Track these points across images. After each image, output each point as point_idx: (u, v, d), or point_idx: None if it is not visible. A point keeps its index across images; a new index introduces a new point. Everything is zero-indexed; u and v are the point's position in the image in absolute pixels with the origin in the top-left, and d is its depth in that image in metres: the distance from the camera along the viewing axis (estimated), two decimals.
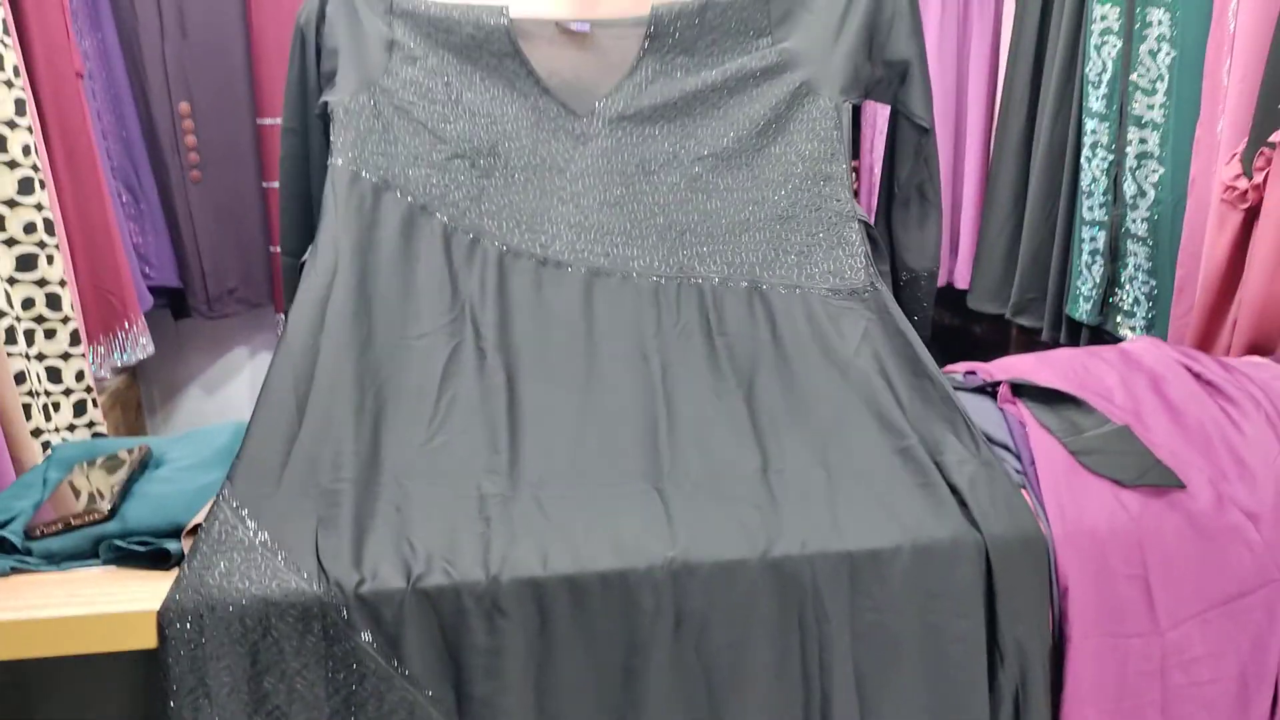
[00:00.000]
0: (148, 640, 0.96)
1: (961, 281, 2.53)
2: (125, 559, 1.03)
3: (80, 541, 1.04)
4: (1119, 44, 1.89)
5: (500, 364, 1.26)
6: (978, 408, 1.22)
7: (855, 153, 2.56)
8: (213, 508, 1.03)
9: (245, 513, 1.03)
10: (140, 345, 2.11)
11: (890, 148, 1.60)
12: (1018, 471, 1.12)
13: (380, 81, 1.43)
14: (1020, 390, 1.22)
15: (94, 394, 1.81)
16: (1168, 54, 1.79)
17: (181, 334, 2.55)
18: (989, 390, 1.26)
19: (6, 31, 1.64)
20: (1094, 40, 1.94)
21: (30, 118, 1.67)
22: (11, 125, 1.61)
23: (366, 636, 0.98)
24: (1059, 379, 1.22)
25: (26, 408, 1.60)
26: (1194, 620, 1.03)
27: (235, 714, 0.97)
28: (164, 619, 0.95)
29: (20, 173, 1.63)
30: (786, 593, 1.02)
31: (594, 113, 1.43)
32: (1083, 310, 2.01)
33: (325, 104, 1.45)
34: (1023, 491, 1.08)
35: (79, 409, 1.77)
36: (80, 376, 1.77)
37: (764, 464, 1.13)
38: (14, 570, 1.03)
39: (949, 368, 1.36)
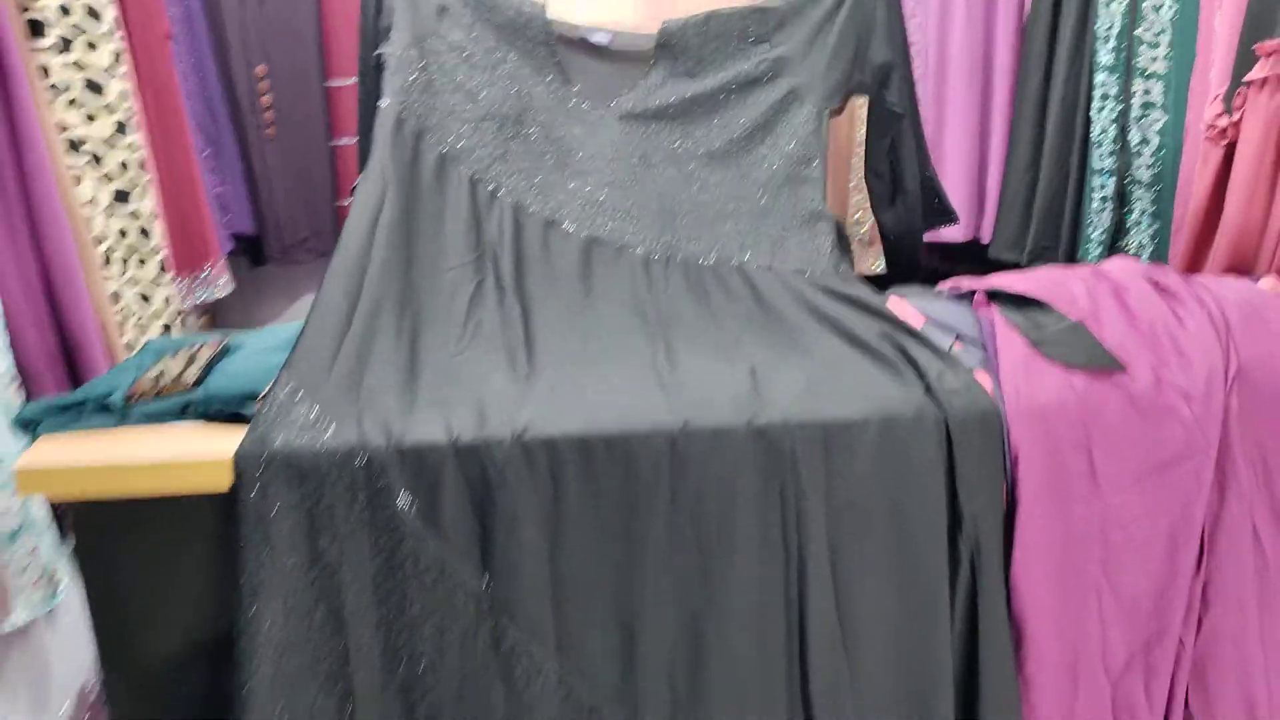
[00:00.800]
0: (223, 484, 1.14)
1: (988, 236, 2.64)
2: (209, 418, 1.22)
3: (170, 406, 1.23)
4: (1126, 1, 2.00)
5: (516, 300, 1.42)
6: (954, 310, 1.36)
7: None
8: (271, 390, 1.21)
9: (300, 394, 1.20)
10: (220, 283, 2.32)
11: (866, 125, 1.74)
12: (984, 359, 1.26)
13: (428, 41, 1.60)
14: (994, 296, 1.36)
15: (179, 319, 2.02)
16: (1170, 8, 1.90)
17: (258, 280, 2.76)
18: (966, 299, 1.40)
19: None
20: None
21: (126, 69, 1.88)
22: (110, 73, 1.82)
23: (403, 503, 1.14)
24: (1031, 287, 1.36)
25: (121, 325, 1.80)
26: (1131, 486, 1.17)
27: (293, 567, 1.14)
28: (238, 466, 1.13)
29: (117, 116, 1.84)
30: (769, 464, 1.17)
31: (608, 109, 1.61)
32: (1094, 256, 2.12)
33: (379, 55, 1.63)
34: (981, 373, 1.22)
35: (165, 332, 1.97)
36: (168, 301, 1.98)
37: (751, 368, 1.27)
38: (119, 425, 1.22)
39: (941, 284, 1.51)
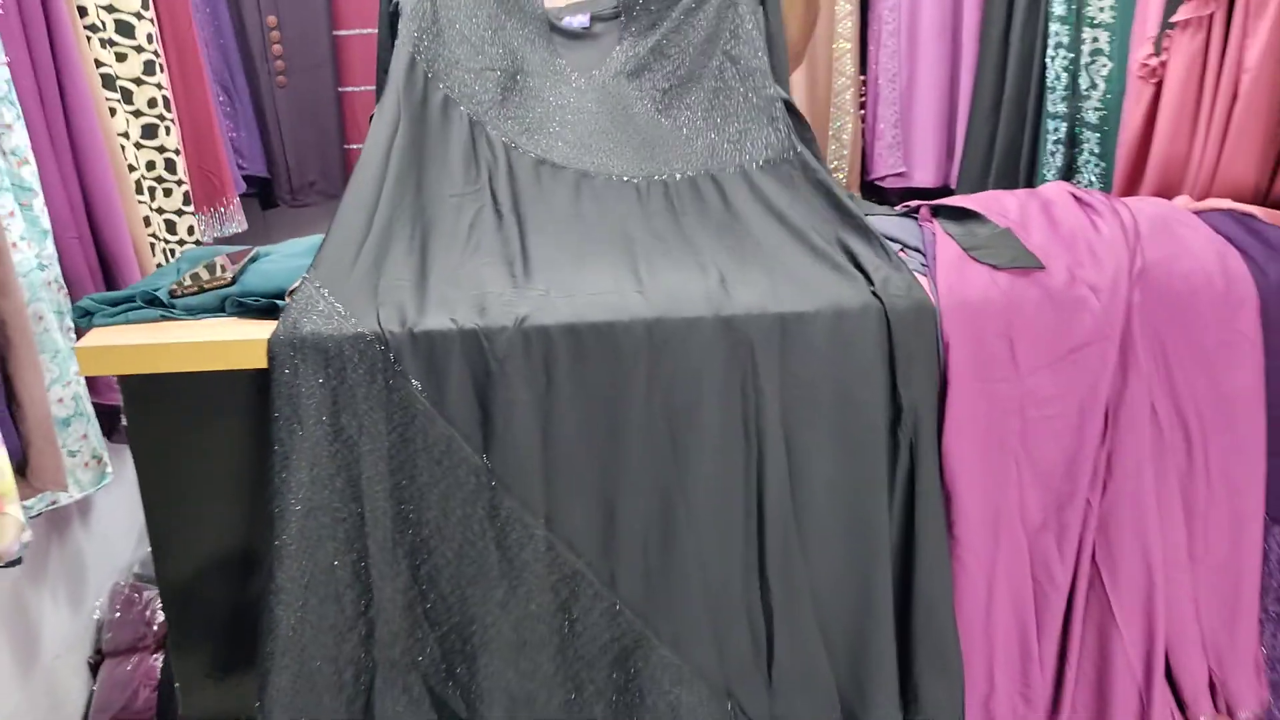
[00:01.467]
0: (259, 361, 1.32)
1: (957, 182, 2.82)
2: (243, 312, 1.39)
3: (210, 300, 1.41)
4: None
5: (514, 223, 1.57)
6: (901, 225, 1.54)
7: (862, 68, 2.85)
8: (300, 285, 1.38)
9: (325, 291, 1.37)
10: (235, 220, 2.49)
11: None
12: (922, 264, 1.43)
13: None
14: (937, 211, 1.54)
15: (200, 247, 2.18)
16: None
17: (268, 221, 2.93)
18: (913, 215, 1.58)
19: None
20: None
21: (152, 14, 2.04)
22: (139, 16, 1.98)
23: (417, 385, 1.32)
24: (969, 203, 1.53)
25: (151, 246, 1.98)
26: (1046, 368, 1.35)
27: (319, 439, 1.32)
28: (272, 348, 1.31)
29: (145, 56, 2.00)
30: (733, 352, 1.33)
31: (590, 78, 1.77)
32: None
33: (395, 3, 1.79)
34: (922, 278, 1.40)
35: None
36: (190, 231, 2.15)
37: (720, 273, 1.43)
38: (162, 318, 1.39)
39: (897, 206, 1.68)
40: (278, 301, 1.38)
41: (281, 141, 2.77)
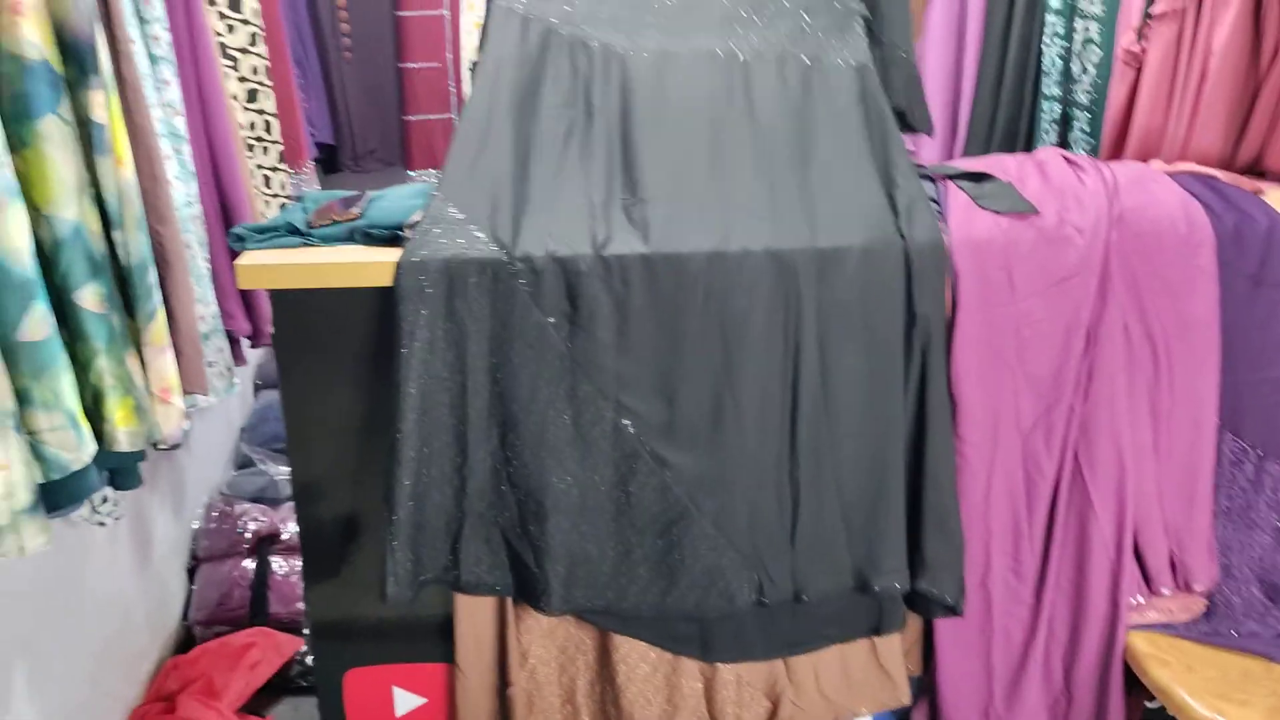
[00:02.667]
0: (385, 280, 1.59)
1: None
2: (369, 240, 1.67)
3: (340, 231, 1.68)
4: None
5: (608, 129, 1.74)
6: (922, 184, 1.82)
7: None
8: (430, 202, 1.64)
9: (450, 203, 1.62)
10: (311, 181, 2.77)
11: None
12: (939, 213, 1.71)
13: None
14: (948, 174, 1.82)
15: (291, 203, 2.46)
16: None
17: (331, 185, 3.20)
18: (930, 176, 1.86)
19: None
20: None
21: None
22: None
23: (521, 282, 1.55)
24: (976, 164, 1.81)
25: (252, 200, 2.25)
26: (1038, 295, 1.62)
27: (435, 318, 1.53)
28: (401, 267, 1.57)
29: (250, 29, 2.27)
30: (779, 278, 1.60)
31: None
32: None
33: None
34: (939, 222, 1.68)
35: (282, 208, 2.42)
36: (283, 186, 2.42)
37: (773, 200, 1.65)
38: (303, 244, 1.67)
39: None
40: (399, 232, 1.66)
41: (347, 111, 3.05)
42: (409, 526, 1.58)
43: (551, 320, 1.57)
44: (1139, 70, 2.08)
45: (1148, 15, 2.01)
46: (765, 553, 1.64)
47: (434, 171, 3.14)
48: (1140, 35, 2.06)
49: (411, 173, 3.13)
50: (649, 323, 1.58)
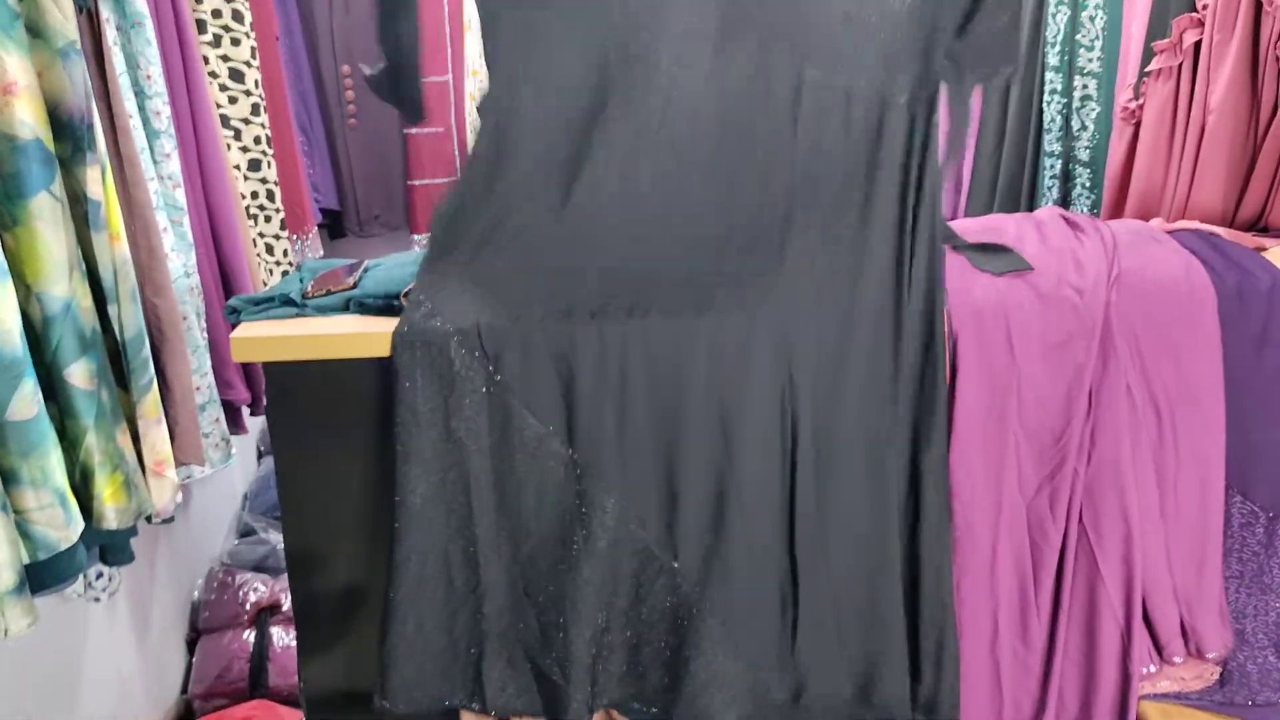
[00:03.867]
0: (380, 350, 1.58)
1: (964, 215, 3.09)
2: (364, 310, 1.66)
3: (336, 301, 1.68)
4: (1069, 12, 2.45)
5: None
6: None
7: None
8: (411, 288, 1.63)
9: (426, 296, 1.61)
10: (313, 248, 2.78)
11: None
12: None
13: None
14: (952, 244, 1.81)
15: (291, 269, 2.47)
16: (1102, 18, 2.35)
17: (336, 251, 3.22)
18: None
19: None
20: (1051, 9, 2.50)
21: (258, 62, 2.34)
22: (248, 65, 2.28)
23: (511, 387, 1.52)
24: (974, 225, 1.80)
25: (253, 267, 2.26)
26: (1039, 357, 1.60)
27: (434, 440, 1.52)
28: (396, 341, 1.56)
29: (253, 99, 2.30)
30: (775, 367, 1.53)
31: None
32: None
33: None
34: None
35: (284, 276, 2.42)
36: (285, 254, 2.43)
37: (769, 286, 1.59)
38: (297, 315, 1.66)
39: None
40: (394, 302, 1.65)
41: (351, 177, 3.07)
42: (405, 653, 1.56)
43: (550, 424, 1.54)
44: (1137, 127, 2.07)
45: (1144, 73, 2.01)
46: (765, 661, 1.60)
47: None
48: (1138, 92, 2.06)
49: (416, 236, 3.14)
50: (647, 409, 1.54)
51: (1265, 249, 1.79)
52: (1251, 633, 1.68)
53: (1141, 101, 2.03)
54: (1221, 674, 1.68)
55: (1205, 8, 1.89)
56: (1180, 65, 1.94)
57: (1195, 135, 1.95)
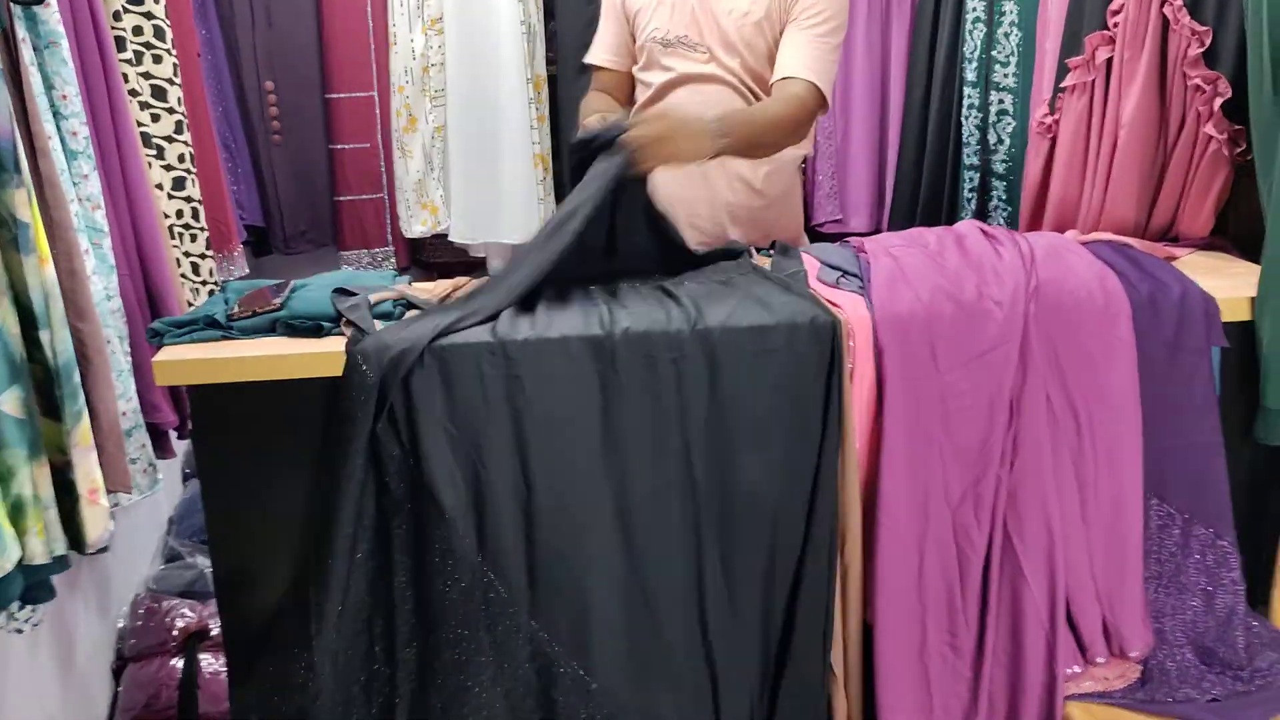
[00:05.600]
0: (307, 372, 1.57)
1: (887, 227, 3.15)
2: (291, 332, 1.65)
3: (262, 323, 1.66)
4: (984, 29, 2.52)
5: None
6: (843, 255, 1.84)
7: None
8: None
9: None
10: (239, 265, 2.74)
11: None
12: (860, 287, 1.73)
13: None
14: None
15: (217, 289, 2.43)
16: (1016, 35, 2.42)
17: (262, 268, 3.17)
18: (854, 247, 1.88)
19: (166, 15, 2.27)
20: (968, 26, 2.57)
21: (180, 79, 2.30)
22: (170, 82, 2.24)
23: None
24: (897, 239, 1.84)
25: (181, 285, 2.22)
26: (961, 368, 1.64)
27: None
28: (350, 352, 1.55)
29: (175, 117, 2.26)
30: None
31: None
32: None
33: None
34: (859, 296, 1.69)
35: (209, 295, 2.39)
36: (211, 273, 2.39)
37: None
38: (222, 337, 1.64)
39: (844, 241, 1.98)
40: (323, 324, 1.64)
41: (276, 194, 3.03)
42: (330, 701, 1.59)
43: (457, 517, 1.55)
44: (1054, 142, 2.13)
45: (1060, 88, 2.07)
46: None
47: (365, 252, 3.12)
48: (1053, 107, 2.11)
49: (343, 253, 3.11)
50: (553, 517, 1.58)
51: (1176, 258, 1.86)
52: (1170, 631, 1.73)
53: (1057, 116, 2.09)
54: (1143, 673, 1.72)
55: (1116, 25, 1.95)
56: (1093, 81, 2.00)
57: (1109, 149, 2.01)
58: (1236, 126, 1.83)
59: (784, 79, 1.98)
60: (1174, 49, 1.89)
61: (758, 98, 2.09)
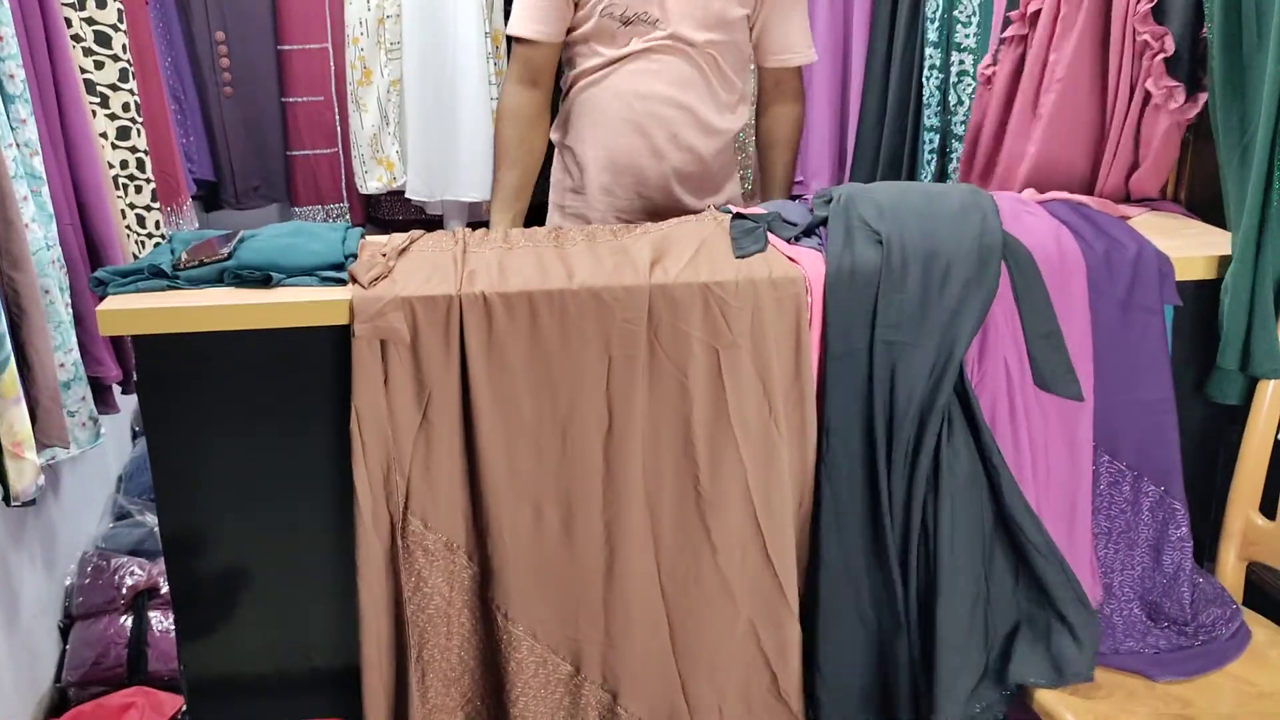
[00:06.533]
0: (254, 323, 1.54)
1: None
2: (240, 283, 1.61)
3: (209, 273, 1.62)
4: None
5: None
6: (797, 209, 1.83)
7: None
8: None
9: None
10: (187, 220, 2.68)
11: None
12: (819, 243, 1.72)
13: None
14: (818, 196, 1.83)
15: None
16: None
17: (212, 223, 3.12)
18: (805, 200, 1.87)
19: None
20: None
21: (125, 26, 2.24)
22: (115, 29, 2.18)
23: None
24: None
25: (126, 237, 2.17)
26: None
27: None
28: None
29: (119, 65, 2.20)
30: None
31: None
32: None
33: None
34: (817, 251, 1.68)
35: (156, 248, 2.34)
36: (158, 225, 2.34)
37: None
38: (168, 288, 1.61)
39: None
40: (272, 274, 1.61)
41: (227, 148, 2.97)
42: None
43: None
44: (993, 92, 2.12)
45: (1000, 39, 2.06)
46: None
47: (319, 208, 3.07)
48: (996, 57, 2.10)
49: (296, 209, 3.06)
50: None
51: (1129, 218, 1.86)
52: (1119, 586, 1.75)
53: (997, 66, 2.08)
54: None
55: None
56: (1027, 35, 1.99)
57: (1049, 102, 1.98)
58: (1175, 83, 1.82)
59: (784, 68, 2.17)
60: (1120, 3, 1.87)
61: (721, 71, 2.06)
